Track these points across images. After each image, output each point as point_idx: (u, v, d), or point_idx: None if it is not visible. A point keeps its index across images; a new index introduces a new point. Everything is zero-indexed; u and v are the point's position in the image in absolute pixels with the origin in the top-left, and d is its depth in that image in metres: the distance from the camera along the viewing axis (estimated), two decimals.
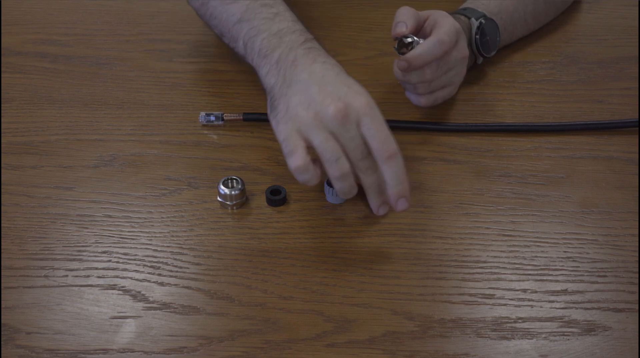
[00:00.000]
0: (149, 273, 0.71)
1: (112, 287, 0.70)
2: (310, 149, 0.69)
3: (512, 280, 0.71)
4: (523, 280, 0.71)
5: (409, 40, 0.80)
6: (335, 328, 0.67)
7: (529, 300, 0.69)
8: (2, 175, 0.80)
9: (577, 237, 0.75)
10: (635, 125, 0.86)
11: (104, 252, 0.73)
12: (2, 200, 0.78)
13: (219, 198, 0.77)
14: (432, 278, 0.71)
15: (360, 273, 0.71)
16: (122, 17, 1.04)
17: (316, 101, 0.69)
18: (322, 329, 0.67)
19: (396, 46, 0.81)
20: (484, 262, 0.72)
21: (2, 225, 0.75)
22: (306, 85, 0.70)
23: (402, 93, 0.90)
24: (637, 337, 0.66)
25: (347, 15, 1.05)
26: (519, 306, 0.69)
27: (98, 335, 0.66)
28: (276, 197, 0.77)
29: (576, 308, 0.68)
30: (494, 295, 0.70)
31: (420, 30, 0.83)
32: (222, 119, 0.86)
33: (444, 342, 0.66)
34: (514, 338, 0.66)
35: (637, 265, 0.72)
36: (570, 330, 0.67)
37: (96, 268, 0.72)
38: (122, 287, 0.70)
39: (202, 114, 0.86)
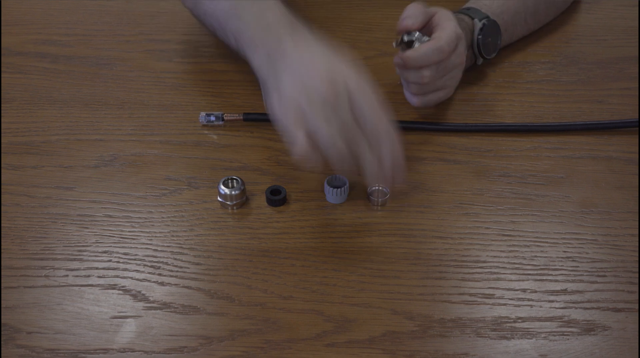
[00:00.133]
0: (149, 273, 0.71)
1: (113, 286, 0.70)
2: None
3: (511, 280, 0.71)
4: (523, 280, 0.71)
5: (410, 39, 0.80)
6: (335, 328, 0.67)
7: (529, 299, 0.69)
8: (2, 175, 0.80)
9: (577, 237, 0.75)
10: (634, 125, 0.86)
11: (105, 252, 0.73)
12: (2, 200, 0.78)
13: (219, 198, 0.77)
14: (432, 278, 0.71)
15: (360, 273, 0.71)
16: (122, 17, 1.04)
17: (307, 84, 0.68)
18: (322, 329, 0.67)
19: (396, 42, 0.81)
20: (484, 261, 0.72)
21: (2, 225, 0.75)
22: (296, 71, 0.70)
23: (402, 93, 0.91)
24: (637, 337, 0.66)
25: (347, 15, 1.05)
26: (519, 306, 0.69)
27: (98, 335, 0.66)
28: (276, 197, 0.77)
29: (576, 308, 0.69)
30: (494, 294, 0.70)
31: (425, 26, 0.83)
32: (222, 119, 0.86)
33: (443, 341, 0.66)
34: (513, 338, 0.66)
35: (636, 265, 0.72)
36: (569, 329, 0.67)
37: (96, 268, 0.72)
38: (123, 286, 0.70)
39: (202, 114, 0.86)
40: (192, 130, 0.86)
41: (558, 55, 0.98)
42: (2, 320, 0.67)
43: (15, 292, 0.70)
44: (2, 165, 0.82)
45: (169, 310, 0.68)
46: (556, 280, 0.71)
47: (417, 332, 0.66)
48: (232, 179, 0.77)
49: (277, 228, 0.75)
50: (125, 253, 0.73)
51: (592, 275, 0.71)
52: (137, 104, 0.90)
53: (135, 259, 0.72)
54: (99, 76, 0.94)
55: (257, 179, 0.80)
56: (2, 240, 0.74)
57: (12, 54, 0.98)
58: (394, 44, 0.81)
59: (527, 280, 0.71)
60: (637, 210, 0.77)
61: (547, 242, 0.74)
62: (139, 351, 0.65)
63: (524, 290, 0.70)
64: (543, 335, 0.66)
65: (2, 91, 0.92)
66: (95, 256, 0.73)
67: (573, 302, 0.69)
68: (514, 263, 0.72)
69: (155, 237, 0.74)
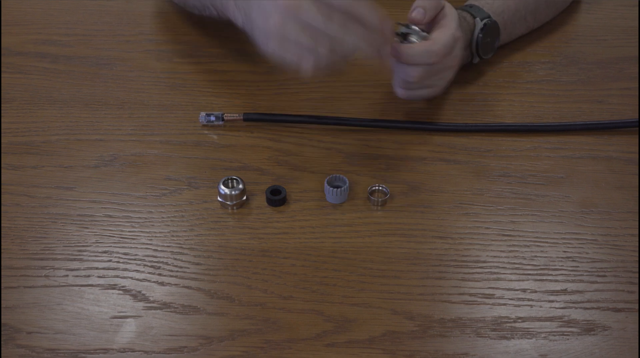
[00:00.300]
0: (149, 273, 0.71)
1: (113, 286, 0.70)
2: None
3: (511, 280, 0.71)
4: (523, 280, 0.71)
5: (407, 31, 0.79)
6: (335, 328, 0.67)
7: (529, 299, 0.69)
8: (2, 175, 0.80)
9: (577, 237, 0.75)
10: (634, 125, 0.86)
11: (105, 252, 0.73)
12: (2, 200, 0.78)
13: (219, 198, 0.77)
14: (432, 278, 0.71)
15: (360, 273, 0.71)
16: (123, 17, 1.04)
17: (270, 6, 0.73)
18: (322, 329, 0.67)
19: (396, 31, 0.80)
20: (484, 261, 0.72)
21: (2, 225, 0.75)
22: (262, 7, 0.75)
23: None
24: (637, 337, 0.66)
25: None
26: (519, 306, 0.69)
27: (98, 335, 0.66)
28: (276, 197, 0.77)
29: (576, 308, 0.69)
30: (494, 294, 0.70)
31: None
32: (222, 119, 0.86)
33: (443, 341, 0.66)
34: (513, 338, 0.66)
35: (636, 265, 0.72)
36: (569, 329, 0.67)
37: (96, 268, 0.72)
38: (123, 286, 0.70)
39: (202, 114, 0.86)
40: (192, 130, 0.86)
41: (558, 55, 0.98)
42: (2, 320, 0.67)
43: (15, 292, 0.70)
44: (2, 165, 0.82)
45: (169, 310, 0.68)
46: (556, 280, 0.71)
47: (417, 332, 0.66)
48: (232, 179, 0.77)
49: (277, 228, 0.75)
50: (125, 253, 0.73)
51: (592, 275, 0.71)
52: (137, 104, 0.90)
53: (135, 259, 0.72)
54: (99, 76, 0.94)
55: (257, 178, 0.80)
56: (2, 240, 0.74)
57: (12, 54, 0.98)
58: (396, 30, 0.80)
59: (527, 280, 0.71)
60: (637, 210, 0.77)
61: (547, 242, 0.74)
62: (139, 351, 0.65)
63: (524, 290, 0.70)
64: (543, 335, 0.66)
65: (2, 91, 0.92)
66: (95, 256, 0.73)
67: (573, 302, 0.69)
68: (514, 263, 0.72)
69: (155, 237, 0.74)
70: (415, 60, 0.79)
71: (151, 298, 0.69)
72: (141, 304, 0.69)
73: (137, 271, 0.71)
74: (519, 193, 0.79)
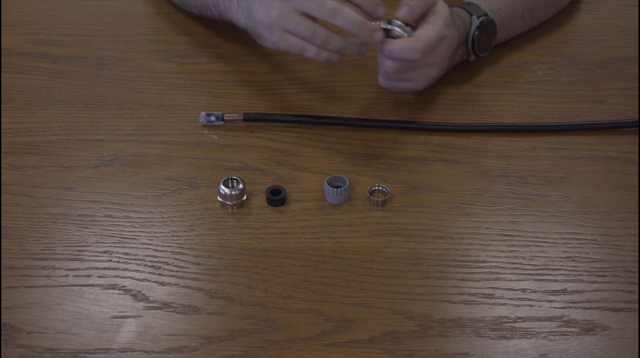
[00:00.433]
0: (149, 273, 0.71)
1: (113, 286, 0.70)
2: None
3: (511, 280, 0.71)
4: (522, 280, 0.71)
5: (389, 27, 0.79)
6: (335, 328, 0.67)
7: (529, 299, 0.69)
8: (3, 175, 0.80)
9: (577, 237, 0.75)
10: (634, 126, 0.86)
11: (105, 252, 0.73)
12: (3, 200, 0.78)
13: (219, 198, 0.77)
14: (432, 278, 0.71)
15: (360, 273, 0.71)
16: (123, 17, 1.04)
17: (271, 11, 0.78)
18: (322, 329, 0.67)
19: (380, 24, 0.80)
20: (484, 261, 0.72)
21: (3, 225, 0.75)
22: (257, 6, 0.80)
23: (402, 94, 0.91)
24: (637, 337, 0.66)
25: None
26: (519, 306, 0.69)
27: (99, 335, 0.66)
28: (276, 197, 0.77)
29: (575, 307, 0.69)
30: (494, 294, 0.70)
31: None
32: (222, 119, 0.86)
33: (443, 341, 0.66)
34: (513, 338, 0.66)
35: (636, 265, 0.72)
36: (569, 329, 0.67)
37: (97, 268, 0.72)
38: (123, 286, 0.70)
39: (203, 114, 0.86)
40: (192, 130, 0.86)
41: (558, 55, 0.98)
42: (2, 320, 0.67)
43: (16, 292, 0.70)
44: (2, 165, 0.82)
45: (169, 310, 0.68)
46: (556, 280, 0.71)
47: (417, 332, 0.67)
48: (232, 179, 0.77)
49: (277, 228, 0.75)
50: (125, 253, 0.73)
51: (592, 275, 0.71)
52: (137, 104, 0.90)
53: (135, 259, 0.72)
54: (99, 76, 0.94)
55: (257, 178, 0.80)
56: (2, 240, 0.74)
57: (12, 54, 0.98)
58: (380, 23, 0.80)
59: (527, 280, 0.71)
60: (637, 210, 0.77)
61: (546, 242, 0.74)
62: (139, 351, 0.65)
63: (523, 290, 0.70)
64: (543, 335, 0.66)
65: (2, 91, 0.92)
66: (96, 256, 0.73)
67: (573, 302, 0.69)
68: (514, 263, 0.72)
69: (156, 237, 0.75)
70: (397, 56, 0.79)
71: (151, 298, 0.69)
72: (141, 304, 0.69)
73: (137, 271, 0.71)
74: (519, 193, 0.79)
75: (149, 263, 0.72)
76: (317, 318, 0.68)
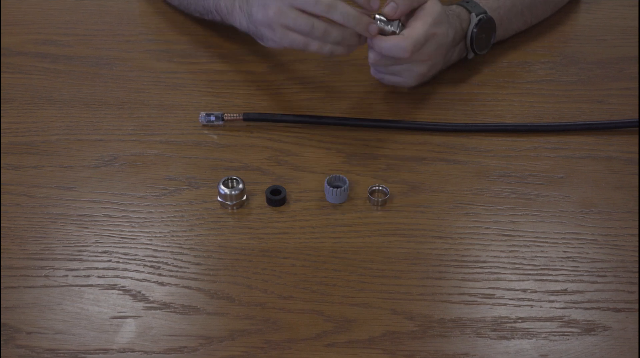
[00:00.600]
0: (149, 273, 0.71)
1: (112, 286, 0.70)
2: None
3: (511, 280, 0.71)
4: (523, 280, 0.71)
5: (380, 24, 0.80)
6: (335, 328, 0.67)
7: (529, 300, 0.69)
8: (2, 175, 0.80)
9: (577, 237, 0.75)
10: (634, 125, 0.86)
11: (104, 252, 0.73)
12: (2, 200, 0.78)
13: (219, 198, 0.77)
14: (432, 278, 0.71)
15: (360, 273, 0.71)
16: (122, 17, 1.04)
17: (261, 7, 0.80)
18: (322, 329, 0.67)
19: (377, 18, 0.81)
20: (484, 261, 0.72)
21: (2, 225, 0.75)
22: (256, 8, 0.82)
23: (402, 93, 0.91)
24: (637, 337, 0.66)
25: None
26: (519, 306, 0.69)
27: (98, 335, 0.66)
28: (276, 197, 0.77)
29: (576, 308, 0.69)
30: (494, 295, 0.70)
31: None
32: (222, 119, 0.86)
33: (443, 341, 0.66)
34: (513, 338, 0.66)
35: (636, 265, 0.72)
36: (570, 330, 0.67)
37: (96, 268, 0.72)
38: (122, 286, 0.70)
39: (202, 114, 0.86)
40: (192, 130, 0.86)
41: (558, 55, 0.98)
42: (2, 320, 0.67)
43: (15, 292, 0.70)
44: (2, 165, 0.82)
45: (168, 310, 0.68)
46: (556, 280, 0.71)
47: (417, 332, 0.66)
48: (232, 179, 0.77)
49: (277, 228, 0.75)
50: (125, 253, 0.73)
51: (592, 275, 0.71)
52: (137, 104, 0.90)
53: (135, 259, 0.72)
54: (99, 76, 0.94)
55: (257, 178, 0.80)
56: (2, 240, 0.74)
57: (12, 54, 0.98)
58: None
59: (527, 280, 0.71)
60: (637, 210, 0.77)
61: (547, 242, 0.74)
62: (138, 351, 0.65)
63: (524, 290, 0.70)
64: (543, 335, 0.66)
65: (2, 91, 0.91)
66: (95, 256, 0.73)
67: (573, 302, 0.69)
68: (514, 263, 0.72)
69: (155, 237, 0.74)
70: (386, 53, 0.80)
71: (151, 299, 0.69)
72: (141, 304, 0.69)
73: (137, 271, 0.71)
74: (519, 193, 0.79)
75: (149, 264, 0.72)
76: (317, 319, 0.67)
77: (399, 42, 0.79)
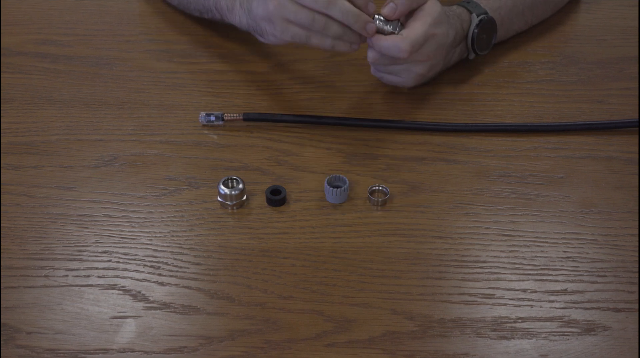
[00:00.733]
0: (149, 273, 0.71)
1: (112, 286, 0.70)
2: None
3: (511, 280, 0.71)
4: (523, 280, 0.71)
5: (379, 24, 0.80)
6: (335, 328, 0.67)
7: (529, 300, 0.69)
8: (2, 175, 0.80)
9: (577, 237, 0.75)
10: (634, 125, 0.86)
11: (104, 252, 0.73)
12: (2, 200, 0.78)
13: (219, 198, 0.77)
14: (432, 278, 0.71)
15: (360, 273, 0.71)
16: (122, 17, 1.04)
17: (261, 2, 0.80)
18: (322, 329, 0.67)
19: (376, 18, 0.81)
20: (484, 261, 0.72)
21: (2, 225, 0.75)
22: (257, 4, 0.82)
23: (402, 93, 0.91)
24: (637, 337, 0.66)
25: None
26: (519, 306, 0.69)
27: (98, 335, 0.66)
28: (276, 197, 0.77)
29: (576, 308, 0.69)
30: (494, 295, 0.70)
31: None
32: (222, 119, 0.86)
33: (444, 341, 0.66)
34: (513, 338, 0.66)
35: (636, 265, 0.72)
36: (570, 330, 0.67)
37: (96, 268, 0.72)
38: (122, 286, 0.70)
39: (202, 114, 0.86)
40: (192, 130, 0.86)
41: (558, 55, 0.98)
42: (2, 320, 0.67)
43: (15, 292, 0.70)
44: (2, 165, 0.82)
45: (168, 310, 0.68)
46: (556, 280, 0.71)
47: (417, 332, 0.66)
48: (232, 179, 0.77)
49: (277, 228, 0.75)
50: (125, 253, 0.73)
51: (593, 275, 0.71)
52: (137, 104, 0.90)
53: (135, 259, 0.72)
54: (99, 76, 0.94)
55: (257, 178, 0.80)
56: (2, 240, 0.74)
57: (12, 54, 0.98)
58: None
59: (527, 280, 0.71)
60: (637, 210, 0.77)
61: (547, 242, 0.74)
62: (138, 351, 0.65)
63: (524, 290, 0.70)
64: (543, 335, 0.66)
65: (2, 91, 0.91)
66: (95, 256, 0.73)
67: (573, 302, 0.69)
68: (514, 263, 0.72)
69: (155, 237, 0.74)
70: (385, 52, 0.80)
71: (151, 299, 0.69)
72: (141, 304, 0.69)
73: (137, 271, 0.71)
74: (519, 193, 0.79)
75: (149, 264, 0.72)
76: (317, 319, 0.67)
77: (398, 42, 0.79)
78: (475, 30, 0.88)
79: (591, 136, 0.86)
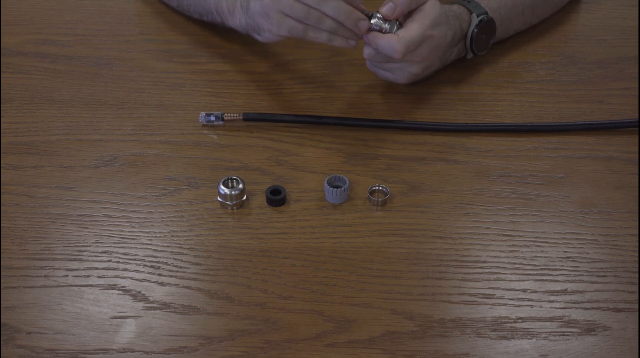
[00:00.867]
0: (149, 273, 0.71)
1: (112, 286, 0.70)
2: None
3: (512, 280, 0.71)
4: (523, 280, 0.71)
5: (373, 22, 0.80)
6: (335, 328, 0.67)
7: (529, 300, 0.69)
8: (2, 175, 0.80)
9: (577, 237, 0.75)
10: (634, 125, 0.86)
11: (104, 252, 0.73)
12: (2, 200, 0.78)
13: (219, 198, 0.77)
14: (432, 278, 0.71)
15: (360, 273, 0.71)
16: (122, 17, 1.04)
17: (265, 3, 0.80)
18: (322, 329, 0.67)
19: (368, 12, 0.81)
20: (484, 262, 0.72)
21: (2, 225, 0.75)
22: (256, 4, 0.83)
23: (401, 93, 0.91)
24: (637, 337, 0.66)
25: None
26: (519, 306, 0.69)
27: (98, 335, 0.66)
28: (276, 197, 0.77)
29: (576, 308, 0.69)
30: (494, 295, 0.70)
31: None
32: (222, 119, 0.86)
33: (444, 342, 0.66)
34: (513, 338, 0.66)
35: (636, 265, 0.72)
36: (570, 330, 0.67)
37: (96, 268, 0.72)
38: (122, 286, 0.70)
39: (202, 114, 0.86)
40: (192, 130, 0.86)
41: (558, 55, 0.98)
42: (2, 320, 0.67)
43: (15, 292, 0.69)
44: (2, 165, 0.82)
45: (168, 310, 0.68)
46: (556, 280, 0.71)
47: (417, 332, 0.66)
48: (232, 179, 0.77)
49: (277, 228, 0.75)
50: (125, 254, 0.73)
51: (593, 275, 0.71)
52: (137, 104, 0.90)
53: (135, 259, 0.72)
54: (99, 76, 0.94)
55: (257, 178, 0.80)
56: (2, 240, 0.74)
57: (12, 54, 0.98)
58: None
59: (528, 280, 0.71)
60: (637, 210, 0.77)
61: (547, 242, 0.74)
62: (138, 351, 0.65)
63: (524, 290, 0.70)
64: (543, 336, 0.66)
65: (2, 91, 0.91)
66: (95, 256, 0.73)
67: (573, 302, 0.69)
68: (514, 263, 0.72)
69: (155, 237, 0.74)
70: (380, 50, 0.80)
71: (151, 299, 0.69)
72: (141, 304, 0.69)
73: (137, 271, 0.71)
74: (519, 193, 0.79)
75: (149, 264, 0.72)
76: (317, 319, 0.67)
77: (393, 43, 0.79)
78: (475, 30, 0.88)
79: (591, 136, 0.86)
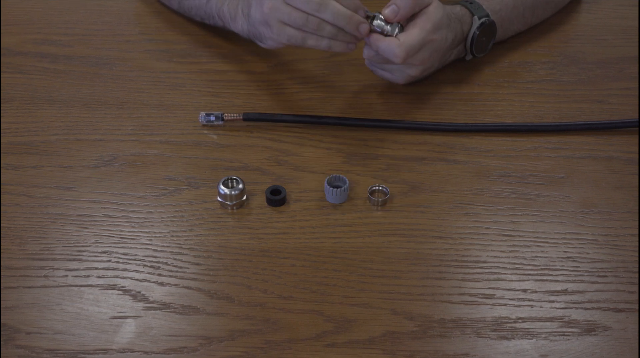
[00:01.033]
0: (149, 273, 0.71)
1: (112, 287, 0.70)
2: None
3: (512, 280, 0.71)
4: (523, 280, 0.71)
5: (375, 24, 0.80)
6: (335, 328, 0.67)
7: (529, 300, 0.69)
8: (2, 175, 0.80)
9: (577, 237, 0.75)
10: (635, 125, 0.86)
11: (104, 252, 0.73)
12: (2, 200, 0.78)
13: (219, 198, 0.77)
14: (432, 278, 0.71)
15: (360, 273, 0.71)
16: (122, 17, 1.04)
17: (264, 9, 0.80)
18: (322, 329, 0.67)
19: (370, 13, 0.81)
20: (484, 262, 0.72)
21: (2, 225, 0.75)
22: (254, 8, 0.83)
23: (401, 93, 0.91)
24: (637, 337, 0.66)
25: None
26: (519, 306, 0.69)
27: (98, 335, 0.66)
28: (276, 197, 0.77)
29: (576, 308, 0.69)
30: (494, 295, 0.70)
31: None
32: (222, 119, 0.86)
33: (444, 342, 0.66)
34: (514, 338, 0.66)
35: (637, 265, 0.72)
36: (570, 330, 0.67)
37: (96, 268, 0.72)
38: (122, 287, 0.70)
39: (202, 114, 0.86)
40: (192, 130, 0.86)
41: (558, 55, 0.98)
42: (2, 320, 0.67)
43: (15, 292, 0.69)
44: (2, 165, 0.81)
45: (168, 310, 0.68)
46: (557, 281, 0.71)
47: (417, 332, 0.66)
48: (232, 179, 0.77)
49: (277, 228, 0.75)
50: (124, 254, 0.73)
51: (593, 276, 0.71)
52: (137, 104, 0.90)
53: (134, 259, 0.72)
54: (98, 76, 0.94)
55: (257, 178, 0.80)
56: (2, 240, 0.74)
57: (12, 54, 0.98)
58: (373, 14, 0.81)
59: (528, 280, 0.71)
60: (637, 210, 0.77)
61: (547, 242, 0.74)
62: (138, 351, 0.65)
63: (524, 291, 0.70)
64: (543, 336, 0.66)
65: (2, 91, 0.91)
66: (95, 256, 0.73)
67: (573, 302, 0.69)
68: (515, 263, 0.72)
69: (155, 237, 0.74)
70: (381, 52, 0.80)
71: (151, 299, 0.69)
72: (141, 304, 0.69)
73: (137, 271, 0.71)
74: (519, 193, 0.79)
75: (149, 264, 0.72)
76: (317, 319, 0.67)
77: (393, 47, 0.79)
78: (476, 32, 0.88)
79: (591, 136, 0.86)
